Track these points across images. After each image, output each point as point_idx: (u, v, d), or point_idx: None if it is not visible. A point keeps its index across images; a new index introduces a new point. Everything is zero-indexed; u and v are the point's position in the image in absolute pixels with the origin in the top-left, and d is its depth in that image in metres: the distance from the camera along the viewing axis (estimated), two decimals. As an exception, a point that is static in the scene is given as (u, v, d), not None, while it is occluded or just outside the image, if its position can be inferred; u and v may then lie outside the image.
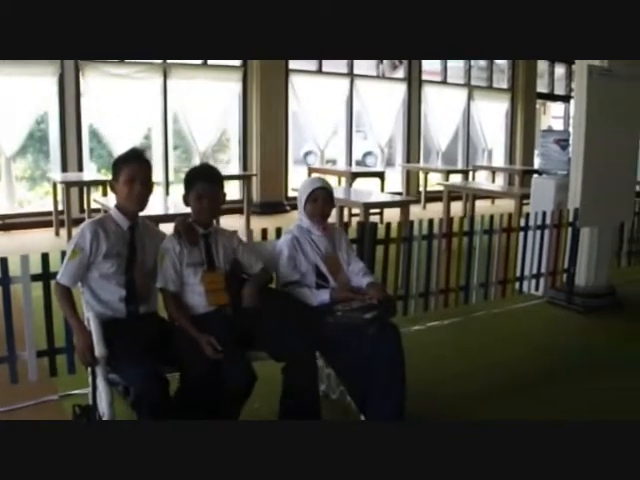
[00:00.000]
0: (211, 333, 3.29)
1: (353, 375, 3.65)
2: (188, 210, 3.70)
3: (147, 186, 3.47)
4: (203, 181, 3.59)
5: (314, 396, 3.51)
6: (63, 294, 3.39)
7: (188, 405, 3.27)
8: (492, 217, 5.90)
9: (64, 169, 10.89)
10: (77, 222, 9.04)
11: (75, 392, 4.18)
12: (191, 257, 3.53)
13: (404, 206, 7.73)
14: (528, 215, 6.33)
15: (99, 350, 3.15)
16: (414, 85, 14.66)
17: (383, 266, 5.21)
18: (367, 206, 7.54)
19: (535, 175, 7.66)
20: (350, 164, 14.04)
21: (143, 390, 3.05)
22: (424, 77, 14.90)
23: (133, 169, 3.43)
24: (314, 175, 3.80)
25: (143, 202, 3.49)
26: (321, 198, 3.89)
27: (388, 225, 5.26)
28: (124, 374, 3.18)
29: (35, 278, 3.98)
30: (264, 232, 4.48)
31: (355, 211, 9.32)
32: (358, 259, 4.08)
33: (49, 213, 10.30)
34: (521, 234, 6.16)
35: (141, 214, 3.61)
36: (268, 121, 12.32)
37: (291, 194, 12.52)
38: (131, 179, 3.41)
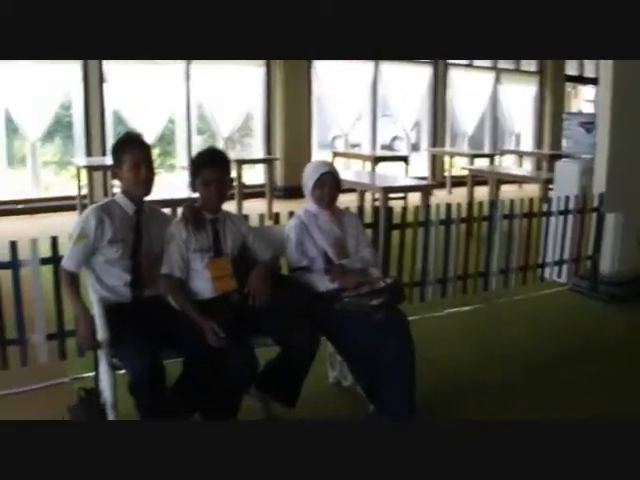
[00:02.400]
0: (216, 319, 3.25)
1: (360, 363, 3.60)
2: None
3: (152, 169, 3.43)
4: (209, 167, 3.52)
5: (299, 381, 3.54)
6: (67, 279, 3.37)
7: (188, 391, 3.26)
8: (512, 202, 5.80)
9: (88, 154, 10.96)
10: (100, 206, 9.26)
11: (86, 375, 4.15)
12: (198, 243, 3.48)
13: (425, 190, 7.62)
14: (550, 200, 6.21)
15: (101, 334, 3.15)
16: (440, 68, 14.46)
17: (399, 251, 5.14)
18: (386, 190, 7.42)
19: (563, 159, 7.44)
20: (374, 148, 13.91)
21: (139, 377, 3.06)
22: (450, 60, 14.68)
23: (137, 154, 3.38)
24: (320, 159, 3.80)
25: (150, 186, 3.44)
26: (328, 183, 3.81)
27: (404, 209, 5.19)
28: (123, 359, 3.16)
29: (45, 261, 4.02)
30: (276, 216, 4.43)
31: (378, 195, 9.22)
32: (368, 247, 3.99)
33: (73, 197, 10.35)
34: (544, 219, 6.04)
35: (156, 198, 3.60)
36: (292, 105, 12.26)
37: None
38: (136, 165, 3.36)
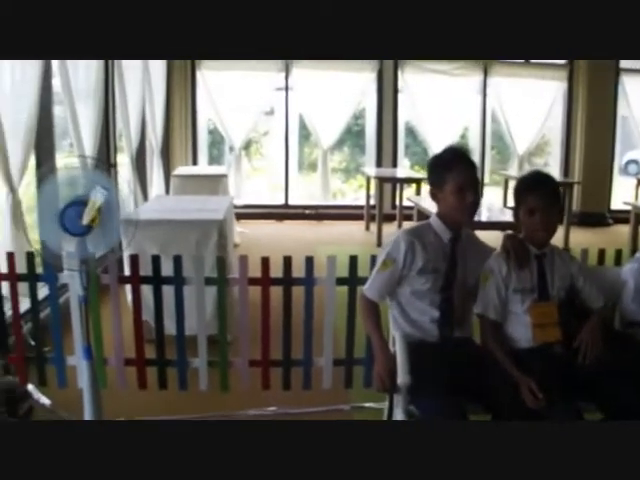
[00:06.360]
0: (532, 375, 2.73)
1: None
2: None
3: (478, 193, 2.98)
4: (536, 193, 2.99)
5: None
6: (368, 308, 3.03)
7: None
8: None
9: (378, 164, 10.93)
10: (388, 218, 9.18)
11: (368, 405, 3.89)
12: (520, 281, 2.97)
13: None
14: None
15: (402, 378, 2.73)
16: None
17: None
18: None
19: None
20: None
21: None
22: None
23: (463, 176, 2.93)
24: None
25: (474, 213, 3.01)
26: None
27: None
28: (425, 413, 2.73)
29: (341, 282, 3.79)
30: (601, 254, 3.80)
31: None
32: None
33: (360, 207, 10.39)
34: None
35: None
36: (595, 125, 11.27)
37: (614, 206, 11.43)
38: (461, 188, 2.92)
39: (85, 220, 2.83)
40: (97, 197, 2.81)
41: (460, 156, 3.04)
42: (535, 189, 3.01)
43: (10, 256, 3.79)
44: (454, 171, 2.94)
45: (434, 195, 3.04)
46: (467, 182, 2.93)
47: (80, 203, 2.84)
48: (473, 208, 2.97)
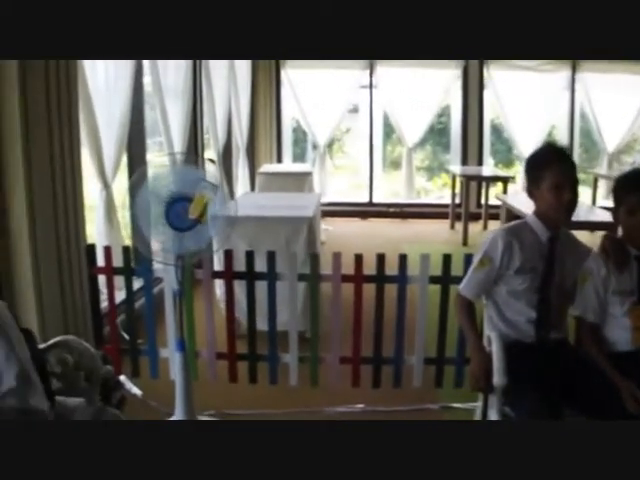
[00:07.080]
0: (631, 378, 2.66)
1: None
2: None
3: (576, 191, 2.90)
4: (636, 193, 2.89)
5: None
6: (463, 307, 3.00)
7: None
8: None
9: (464, 162, 10.81)
10: (473, 217, 9.07)
11: (457, 406, 3.86)
12: (619, 283, 2.88)
13: None
14: None
15: (498, 378, 2.70)
16: None
17: None
18: None
19: None
20: None
21: None
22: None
23: (560, 174, 2.85)
24: None
25: (572, 212, 2.91)
26: None
27: None
28: (520, 413, 2.69)
29: (434, 280, 3.77)
30: None
31: None
32: None
33: (445, 205, 10.32)
34: None
35: None
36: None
37: None
38: (558, 186, 2.84)
39: (193, 215, 2.88)
40: (205, 193, 2.85)
41: (558, 153, 2.96)
42: (635, 188, 2.91)
43: (107, 250, 3.89)
44: (551, 169, 2.86)
45: (531, 193, 2.97)
46: (564, 180, 2.85)
47: (184, 199, 2.90)
48: (571, 206, 2.89)
